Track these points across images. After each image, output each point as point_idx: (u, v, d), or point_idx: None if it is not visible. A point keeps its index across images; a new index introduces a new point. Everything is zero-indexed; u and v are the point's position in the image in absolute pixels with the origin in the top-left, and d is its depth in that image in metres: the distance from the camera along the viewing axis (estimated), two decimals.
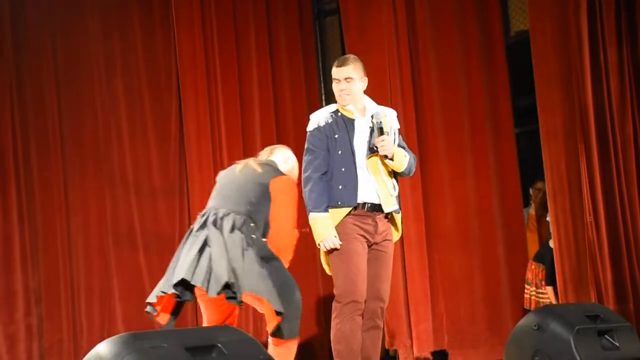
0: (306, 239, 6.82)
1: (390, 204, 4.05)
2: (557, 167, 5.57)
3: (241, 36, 6.84)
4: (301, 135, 6.90)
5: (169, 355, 2.73)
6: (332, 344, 3.99)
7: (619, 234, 5.38)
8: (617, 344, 3.86)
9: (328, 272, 4.09)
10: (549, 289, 6.13)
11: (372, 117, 4.09)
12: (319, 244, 3.98)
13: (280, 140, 6.86)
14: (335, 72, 4.15)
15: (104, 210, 6.52)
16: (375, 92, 6.43)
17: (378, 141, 4.00)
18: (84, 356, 2.84)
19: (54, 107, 6.48)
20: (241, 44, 6.83)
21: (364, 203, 4.00)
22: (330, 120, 4.10)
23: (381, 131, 4.02)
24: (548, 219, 5.92)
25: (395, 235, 4.18)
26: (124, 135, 6.65)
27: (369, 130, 4.07)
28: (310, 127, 4.16)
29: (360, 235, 3.98)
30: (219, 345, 2.90)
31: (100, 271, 6.47)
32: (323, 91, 7.20)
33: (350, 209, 4.00)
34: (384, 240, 4.06)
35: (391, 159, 4.04)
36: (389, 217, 4.09)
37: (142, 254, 6.58)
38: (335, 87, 4.16)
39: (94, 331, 6.31)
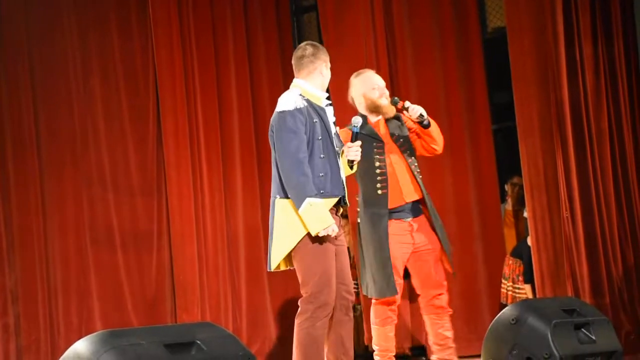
0: None
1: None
2: (534, 162, 5.60)
3: (219, 34, 6.81)
4: None
5: (147, 352, 2.72)
6: (297, 346, 3.74)
7: (595, 228, 5.43)
8: (594, 338, 3.88)
9: (283, 266, 3.81)
10: (528, 287, 6.16)
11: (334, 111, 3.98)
12: (318, 233, 3.65)
13: (258, 139, 6.85)
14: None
15: (81, 210, 6.48)
16: None
17: (352, 145, 3.84)
18: (61, 355, 2.83)
19: (30, 106, 6.42)
20: (219, 42, 6.81)
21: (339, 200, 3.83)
22: (305, 104, 3.81)
23: (356, 137, 3.87)
24: (525, 214, 5.96)
25: None
26: (101, 135, 6.60)
27: (333, 119, 3.92)
28: (288, 106, 3.77)
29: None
30: (198, 341, 2.89)
31: (77, 270, 6.43)
32: None
33: (335, 199, 3.78)
34: (340, 235, 3.90)
35: (352, 167, 3.90)
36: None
37: (120, 253, 6.55)
38: (328, 74, 3.96)
39: (71, 330, 6.27)
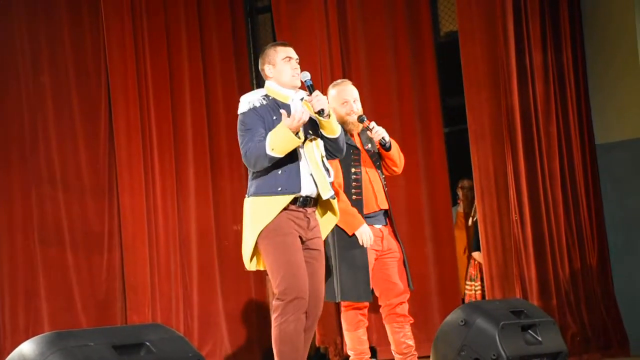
0: (239, 235, 6.80)
1: (327, 190, 3.87)
2: (485, 166, 5.68)
3: (172, 33, 6.76)
4: (232, 133, 6.88)
5: (95, 354, 2.69)
6: (274, 345, 3.72)
7: (543, 232, 5.52)
8: (540, 339, 3.96)
9: (248, 265, 3.84)
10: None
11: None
12: (293, 125, 3.64)
13: (212, 139, 6.83)
14: (288, 50, 3.93)
15: (30, 209, 6.38)
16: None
17: (312, 97, 3.78)
18: (6, 357, 2.78)
19: None
20: (172, 41, 6.76)
21: (298, 197, 3.79)
22: (264, 103, 3.86)
23: (312, 88, 3.84)
24: (476, 219, 6.02)
25: (334, 220, 4.01)
26: (51, 132, 6.51)
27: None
28: (243, 108, 3.87)
29: (296, 230, 3.80)
30: (147, 343, 2.87)
31: (25, 271, 6.33)
32: (255, 89, 7.17)
33: (292, 197, 3.76)
34: (315, 238, 3.89)
35: (328, 115, 3.80)
36: (319, 207, 3.94)
37: (70, 254, 6.46)
38: (287, 66, 3.89)
39: (18, 332, 6.17)
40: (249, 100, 3.88)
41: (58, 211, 6.46)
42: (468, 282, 6.32)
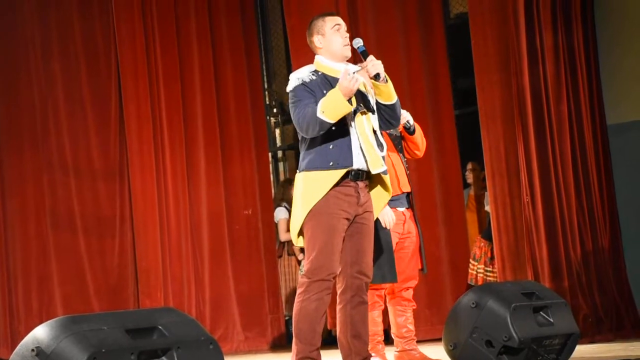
0: (250, 219, 6.83)
1: (378, 165, 3.79)
2: (496, 148, 5.65)
3: (182, 17, 6.76)
4: (243, 117, 6.91)
5: (109, 337, 2.71)
6: (293, 320, 3.76)
7: (554, 213, 5.50)
8: (552, 320, 3.94)
9: (295, 241, 3.82)
10: None
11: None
12: (348, 89, 3.56)
13: (222, 123, 6.83)
14: (337, 19, 3.86)
15: (42, 194, 6.42)
16: None
17: (366, 63, 3.69)
18: (21, 341, 2.80)
19: None
20: (182, 25, 6.76)
21: (349, 171, 3.73)
22: (314, 78, 3.79)
23: (367, 54, 3.76)
24: (486, 207, 6.00)
25: (386, 196, 3.91)
26: (62, 118, 6.54)
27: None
28: (292, 84, 3.80)
29: (343, 210, 3.73)
30: (160, 327, 2.89)
31: (38, 255, 6.38)
32: (265, 72, 7.16)
33: (345, 171, 3.70)
34: (365, 212, 3.80)
35: (385, 80, 3.73)
36: (371, 182, 3.87)
37: (82, 238, 6.50)
38: (337, 35, 3.82)
39: (31, 316, 6.22)
40: (298, 77, 3.82)
41: (70, 196, 6.49)
42: (471, 261, 6.33)
